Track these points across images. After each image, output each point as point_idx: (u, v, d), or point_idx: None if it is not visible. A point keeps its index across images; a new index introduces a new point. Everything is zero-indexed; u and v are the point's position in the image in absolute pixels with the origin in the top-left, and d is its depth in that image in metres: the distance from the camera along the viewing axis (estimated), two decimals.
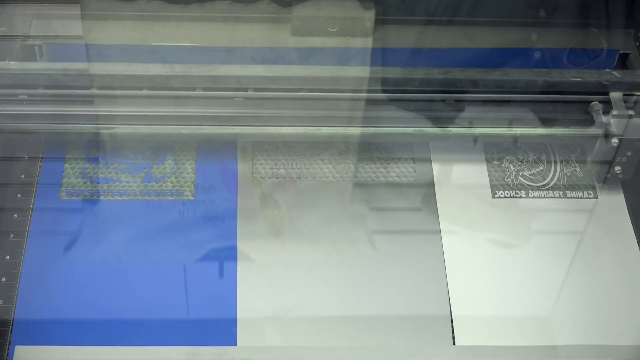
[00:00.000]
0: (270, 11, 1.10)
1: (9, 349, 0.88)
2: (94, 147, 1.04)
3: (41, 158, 1.03)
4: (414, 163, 1.05)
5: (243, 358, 0.89)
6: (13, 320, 0.90)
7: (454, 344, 0.91)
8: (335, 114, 1.03)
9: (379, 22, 1.09)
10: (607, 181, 1.04)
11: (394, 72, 1.02)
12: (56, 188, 1.00)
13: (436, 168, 1.04)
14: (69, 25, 1.12)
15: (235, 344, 0.90)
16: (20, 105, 1.00)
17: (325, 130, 1.02)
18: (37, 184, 1.01)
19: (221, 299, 0.93)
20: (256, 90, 1.01)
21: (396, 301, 0.94)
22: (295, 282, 0.95)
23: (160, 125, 1.01)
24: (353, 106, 1.04)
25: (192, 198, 1.01)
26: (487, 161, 1.05)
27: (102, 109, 1.01)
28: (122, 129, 1.01)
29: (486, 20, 1.13)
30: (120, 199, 1.00)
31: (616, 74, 1.03)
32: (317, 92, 1.02)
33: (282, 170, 1.04)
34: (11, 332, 0.90)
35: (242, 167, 1.03)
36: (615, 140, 1.00)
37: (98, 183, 1.01)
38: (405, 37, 1.10)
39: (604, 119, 1.01)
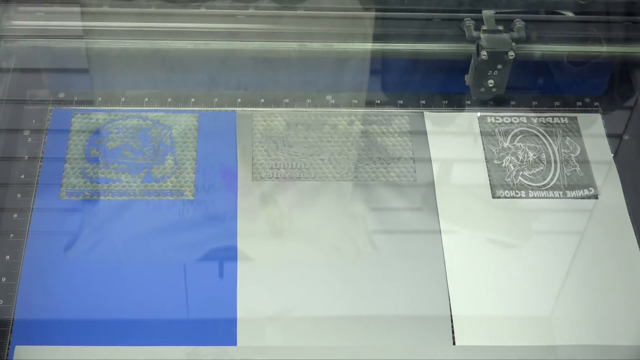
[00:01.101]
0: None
1: (9, 349, 0.88)
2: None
3: (41, 158, 1.03)
4: (414, 163, 1.05)
5: (243, 358, 0.89)
6: (13, 320, 0.90)
7: (454, 344, 0.91)
8: (333, 30, 1.09)
9: None
10: (480, 95, 1.10)
11: None
12: (56, 188, 1.00)
13: (436, 168, 1.04)
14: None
15: (235, 344, 0.90)
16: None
17: (321, 46, 1.08)
18: (37, 184, 1.01)
19: (221, 299, 0.93)
20: (257, 8, 1.04)
21: (396, 301, 0.94)
22: (295, 282, 0.95)
23: (164, 40, 1.06)
24: (351, 23, 1.05)
25: (192, 198, 1.01)
26: (487, 161, 1.06)
27: (109, 25, 1.06)
28: (126, 44, 1.05)
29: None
30: (120, 199, 1.00)
31: None
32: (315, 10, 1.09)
33: (282, 170, 1.04)
34: (11, 332, 0.90)
35: (242, 167, 1.03)
36: (484, 54, 1.05)
37: (98, 183, 1.01)
38: None
39: (475, 34, 1.08)
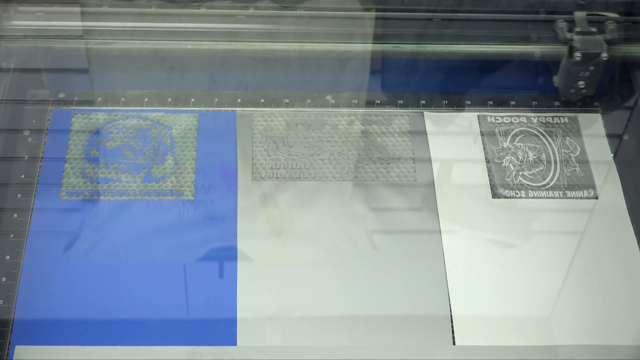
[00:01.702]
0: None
1: (9, 349, 0.88)
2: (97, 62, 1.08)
3: (41, 158, 1.03)
4: (414, 163, 1.05)
5: (243, 358, 0.89)
6: (13, 320, 0.90)
7: (454, 344, 0.91)
8: (332, 31, 1.09)
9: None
10: (570, 96, 1.10)
11: None
12: (56, 188, 1.00)
13: (436, 168, 1.04)
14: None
15: (235, 344, 0.90)
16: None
17: (321, 47, 1.07)
18: (37, 184, 1.01)
19: (221, 299, 0.93)
20: (257, 8, 1.04)
21: (396, 301, 0.94)
22: (295, 282, 0.95)
23: (164, 40, 1.05)
24: (350, 24, 1.07)
25: (192, 198, 1.01)
26: (487, 161, 1.06)
27: (109, 25, 1.06)
28: (126, 44, 1.05)
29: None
30: (120, 199, 1.00)
31: None
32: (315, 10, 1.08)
33: (282, 170, 1.04)
34: (11, 332, 0.90)
35: (242, 167, 1.03)
36: (578, 55, 1.05)
37: (98, 183, 1.01)
38: None
39: (568, 35, 1.09)
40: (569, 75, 1.09)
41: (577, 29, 1.09)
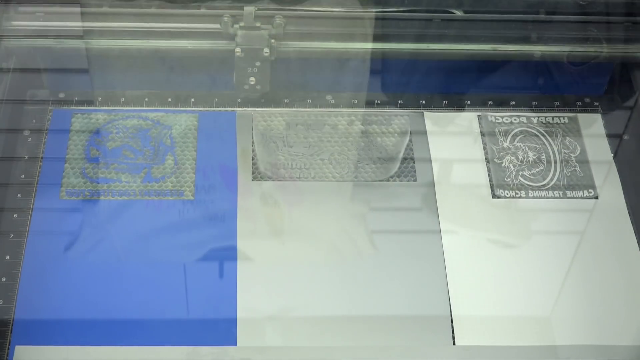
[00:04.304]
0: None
1: (9, 349, 0.88)
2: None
3: (41, 158, 1.03)
4: (414, 163, 1.05)
5: (243, 358, 0.89)
6: (13, 320, 0.90)
7: (454, 344, 0.91)
8: (332, 31, 1.09)
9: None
10: (246, 92, 1.09)
11: None
12: (56, 188, 1.00)
13: (436, 168, 1.04)
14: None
15: (235, 344, 0.90)
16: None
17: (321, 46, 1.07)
18: (37, 184, 1.01)
19: (221, 299, 0.93)
20: (259, 9, 1.05)
21: (396, 301, 0.94)
22: (295, 281, 0.95)
23: (163, 40, 1.07)
24: (350, 24, 1.08)
25: (192, 198, 1.01)
26: (487, 161, 1.06)
27: (109, 25, 1.07)
28: (126, 44, 1.06)
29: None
30: (120, 199, 1.00)
31: None
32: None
33: (282, 170, 1.04)
34: (11, 332, 0.90)
35: (242, 167, 1.03)
36: (238, 50, 1.05)
37: (98, 183, 1.01)
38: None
39: (232, 30, 1.06)
40: (240, 71, 1.07)
41: (241, 24, 1.06)
